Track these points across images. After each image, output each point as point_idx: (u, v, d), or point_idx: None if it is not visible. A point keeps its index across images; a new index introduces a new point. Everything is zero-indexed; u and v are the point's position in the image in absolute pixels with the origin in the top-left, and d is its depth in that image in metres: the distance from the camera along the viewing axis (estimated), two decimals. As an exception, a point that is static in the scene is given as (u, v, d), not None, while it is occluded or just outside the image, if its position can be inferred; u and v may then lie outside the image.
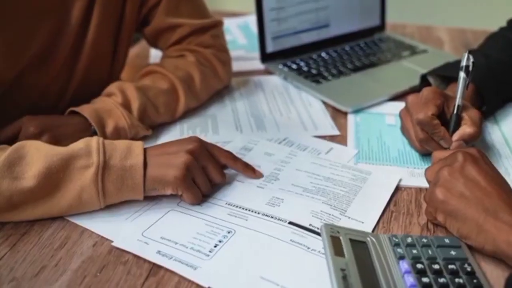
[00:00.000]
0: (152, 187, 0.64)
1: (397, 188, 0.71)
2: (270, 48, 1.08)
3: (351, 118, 0.89)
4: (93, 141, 0.64)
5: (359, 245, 0.57)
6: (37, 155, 0.62)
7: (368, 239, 0.58)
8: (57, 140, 0.72)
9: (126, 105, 0.80)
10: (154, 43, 0.98)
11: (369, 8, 1.20)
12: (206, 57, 0.93)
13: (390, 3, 1.26)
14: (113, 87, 0.82)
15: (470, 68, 0.73)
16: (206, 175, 0.68)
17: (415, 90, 0.91)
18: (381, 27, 1.23)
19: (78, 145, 0.64)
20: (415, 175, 0.73)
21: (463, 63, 0.74)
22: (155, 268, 0.57)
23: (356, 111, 0.91)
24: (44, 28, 0.78)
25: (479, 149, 0.63)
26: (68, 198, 0.63)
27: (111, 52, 0.90)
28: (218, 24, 0.97)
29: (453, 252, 0.57)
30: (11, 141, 0.72)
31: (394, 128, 0.84)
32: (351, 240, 0.57)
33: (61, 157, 0.62)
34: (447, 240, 0.58)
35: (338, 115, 0.90)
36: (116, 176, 0.63)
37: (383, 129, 0.85)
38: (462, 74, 0.73)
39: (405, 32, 1.29)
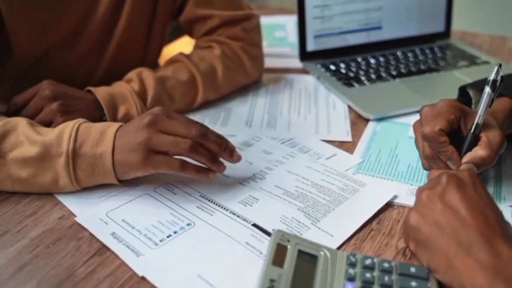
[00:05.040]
0: (123, 171, 0.63)
1: (389, 205, 0.64)
2: (310, 46, 1.04)
3: (371, 125, 0.82)
4: (68, 128, 0.64)
5: (307, 258, 0.52)
6: (21, 138, 0.63)
7: (322, 253, 0.53)
8: (67, 110, 0.73)
9: (142, 93, 0.80)
10: (189, 33, 0.98)
11: (431, 12, 1.10)
12: (234, 50, 0.92)
13: (464, 10, 1.15)
14: (133, 74, 0.83)
15: (498, 83, 0.64)
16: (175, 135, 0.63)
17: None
18: (445, 33, 1.13)
19: (53, 132, 0.64)
20: (415, 193, 0.65)
21: (491, 77, 0.65)
22: (104, 248, 0.57)
23: (380, 119, 0.84)
24: (75, 10, 0.81)
25: (472, 173, 0.55)
26: (46, 182, 0.64)
27: (144, 39, 0.92)
28: (251, 17, 0.95)
29: (414, 283, 0.49)
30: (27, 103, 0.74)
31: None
32: (300, 252, 0.52)
33: (39, 144, 0.63)
34: (413, 269, 0.51)
35: (359, 121, 0.84)
36: (86, 165, 0.63)
37: (401, 141, 0.77)
38: (487, 89, 0.64)
39: (474, 41, 1.18)
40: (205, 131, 0.64)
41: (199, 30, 0.94)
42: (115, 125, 0.65)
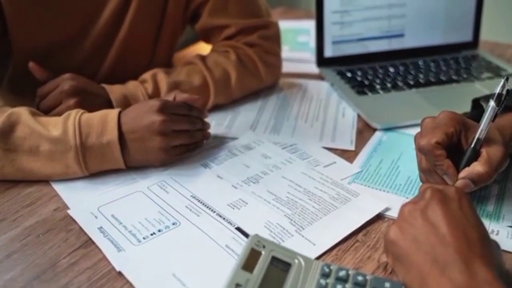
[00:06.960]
0: (138, 165, 0.69)
1: (380, 218, 0.63)
2: (328, 52, 1.03)
3: (377, 135, 0.80)
4: (70, 121, 0.67)
5: (280, 265, 0.51)
6: (27, 130, 0.66)
7: (296, 261, 0.52)
8: (83, 107, 0.74)
9: (154, 97, 0.81)
10: (205, 41, 0.99)
11: (458, 21, 1.07)
12: (249, 56, 0.91)
13: (499, 20, 1.11)
14: (148, 75, 0.84)
15: (503, 97, 0.62)
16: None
17: (467, 116, 0.79)
18: (473, 43, 1.09)
19: (58, 127, 0.66)
20: (408, 207, 0.64)
21: (497, 90, 0.62)
22: (90, 241, 0.59)
23: (388, 129, 0.82)
24: (78, 14, 0.82)
25: (460, 189, 0.53)
26: (56, 173, 0.67)
27: (151, 45, 0.92)
28: (268, 26, 0.94)
29: (386, 299, 0.49)
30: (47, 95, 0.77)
31: (420, 153, 0.74)
32: (274, 258, 0.52)
33: (47, 141, 0.66)
34: (387, 284, 0.50)
35: (367, 130, 0.83)
36: (96, 154, 0.67)
37: (405, 152, 0.75)
38: (491, 103, 0.62)
39: (505, 53, 1.13)
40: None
41: (216, 39, 0.94)
42: (113, 113, 0.68)
